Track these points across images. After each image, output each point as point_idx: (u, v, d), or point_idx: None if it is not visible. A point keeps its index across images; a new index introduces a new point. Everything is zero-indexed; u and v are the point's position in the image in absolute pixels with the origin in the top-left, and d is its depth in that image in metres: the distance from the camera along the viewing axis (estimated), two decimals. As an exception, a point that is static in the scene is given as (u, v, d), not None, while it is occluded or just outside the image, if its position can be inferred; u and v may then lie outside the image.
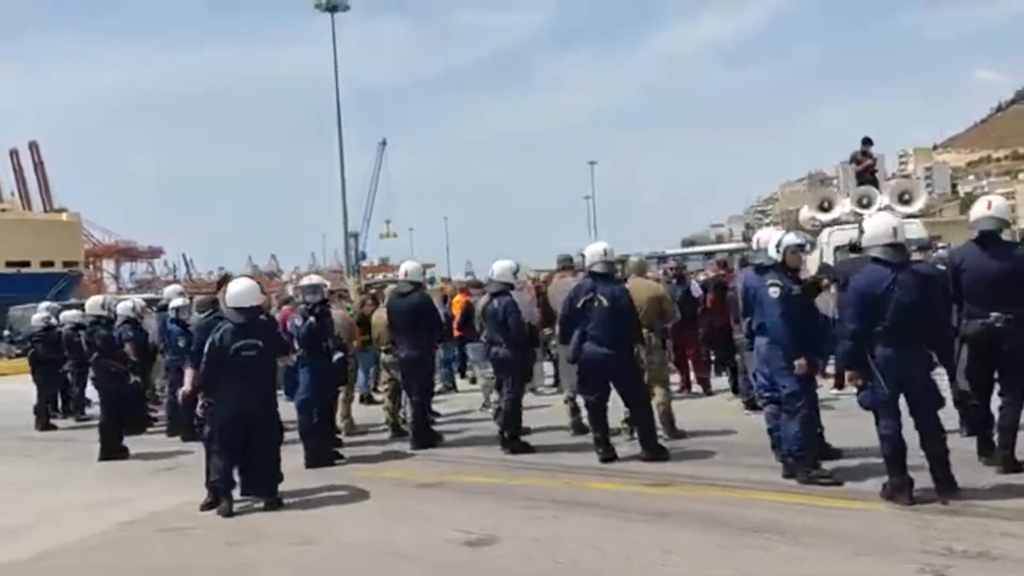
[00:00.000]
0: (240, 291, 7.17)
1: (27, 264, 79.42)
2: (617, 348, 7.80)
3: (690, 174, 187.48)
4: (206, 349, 7.00)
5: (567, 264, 10.30)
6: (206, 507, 7.07)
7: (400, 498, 7.13)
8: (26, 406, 16.83)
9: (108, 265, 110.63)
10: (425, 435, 9.19)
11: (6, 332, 40.60)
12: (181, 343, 10.83)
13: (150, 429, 11.78)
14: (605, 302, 7.78)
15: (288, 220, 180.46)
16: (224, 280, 7.67)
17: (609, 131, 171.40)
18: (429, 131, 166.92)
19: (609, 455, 7.86)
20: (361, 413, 11.26)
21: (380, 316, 10.40)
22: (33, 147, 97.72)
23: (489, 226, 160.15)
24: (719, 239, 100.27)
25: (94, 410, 13.97)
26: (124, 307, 11.55)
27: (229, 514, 6.81)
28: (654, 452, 7.77)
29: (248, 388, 6.95)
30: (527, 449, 8.54)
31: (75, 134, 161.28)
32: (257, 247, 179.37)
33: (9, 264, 77.96)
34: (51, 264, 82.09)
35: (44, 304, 16.61)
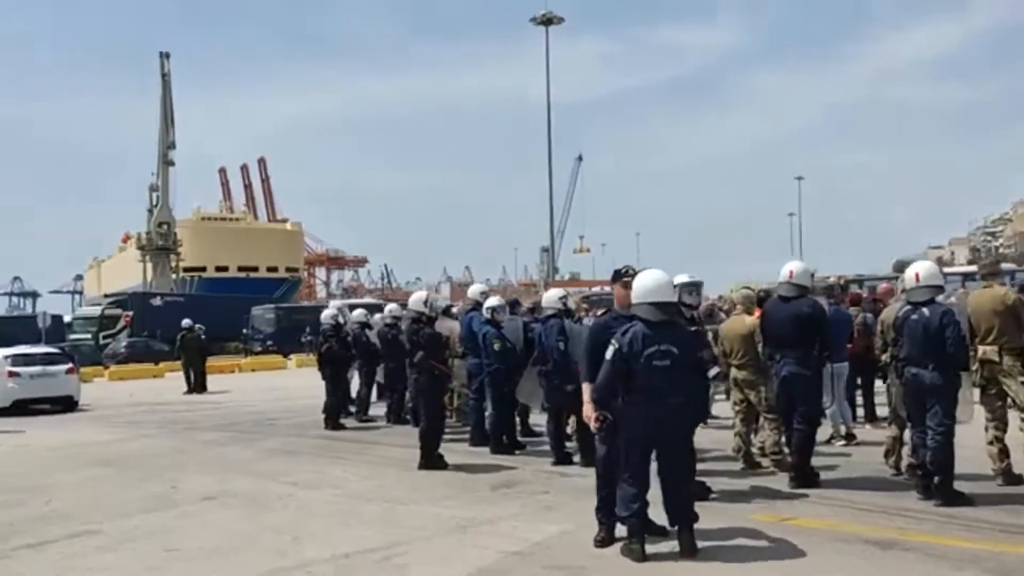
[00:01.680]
0: (654, 284, 5.89)
1: (255, 269, 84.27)
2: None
3: (902, 192, 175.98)
4: (609, 355, 5.79)
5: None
6: (601, 543, 5.92)
7: (851, 558, 5.60)
8: (287, 403, 16.89)
9: (319, 272, 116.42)
10: (807, 475, 7.66)
11: (245, 330, 42.72)
12: (496, 346, 10.03)
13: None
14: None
15: (482, 234, 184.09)
16: (623, 273, 6.34)
17: (812, 148, 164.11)
18: (623, 147, 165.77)
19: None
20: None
21: (730, 327, 9.05)
22: (261, 163, 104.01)
23: (682, 243, 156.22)
24: (940, 262, 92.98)
25: (376, 411, 13.56)
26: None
27: (642, 558, 5.59)
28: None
29: (661, 404, 5.70)
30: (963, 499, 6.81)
31: (293, 151, 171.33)
32: (452, 259, 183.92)
33: (240, 269, 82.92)
34: (275, 270, 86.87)
35: (335, 303, 16.64)
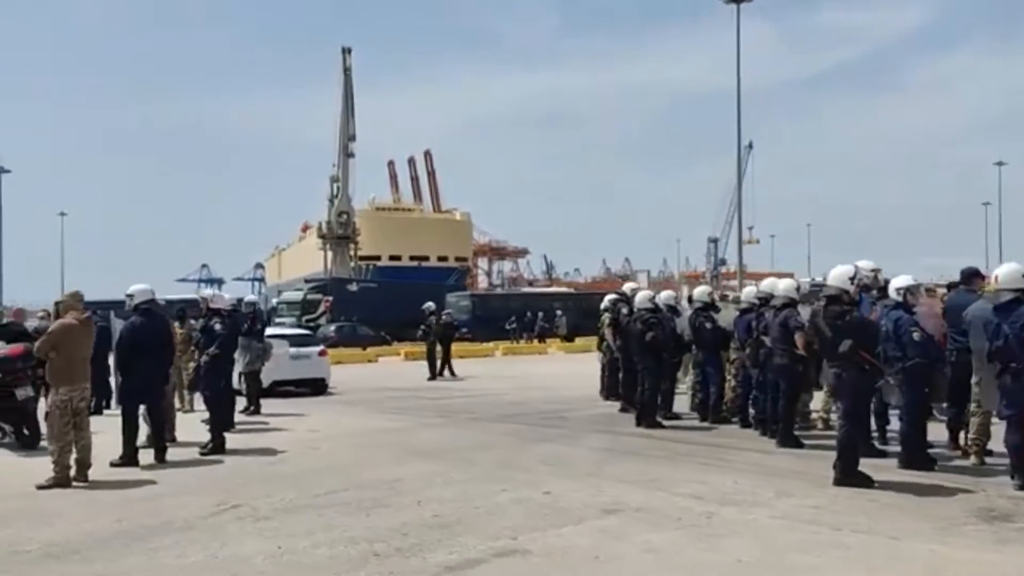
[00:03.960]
0: None
1: (426, 259, 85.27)
2: None
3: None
4: None
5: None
6: None
7: None
8: (540, 392, 15.66)
9: (482, 263, 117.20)
10: None
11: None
12: (916, 336, 8.23)
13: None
14: None
15: (642, 225, 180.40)
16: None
17: (999, 135, 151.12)
18: (795, 136, 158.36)
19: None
20: None
21: None
22: (427, 156, 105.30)
23: (856, 235, 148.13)
24: None
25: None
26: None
27: None
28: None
29: None
30: None
31: (457, 146, 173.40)
32: (610, 250, 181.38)
33: (412, 258, 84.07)
34: (445, 259, 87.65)
35: (630, 285, 15.41)
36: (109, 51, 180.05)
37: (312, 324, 37.79)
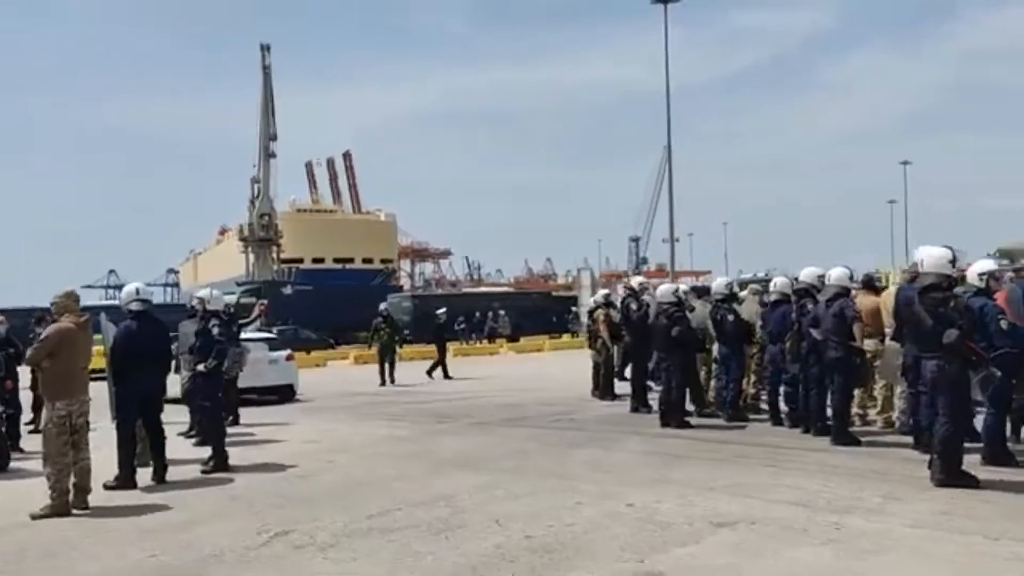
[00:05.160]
0: None
1: (351, 260, 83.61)
2: None
3: (999, 178, 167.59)
4: None
5: None
6: None
7: None
8: (516, 394, 14.92)
9: (404, 264, 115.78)
10: None
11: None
12: (1004, 325, 7.71)
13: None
14: None
15: (562, 225, 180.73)
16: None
17: (902, 134, 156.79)
18: (710, 136, 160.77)
19: None
20: None
21: None
22: (346, 157, 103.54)
23: (771, 233, 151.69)
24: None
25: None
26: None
27: None
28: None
29: None
30: None
31: (376, 146, 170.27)
32: (532, 251, 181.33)
33: (336, 260, 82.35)
34: (370, 261, 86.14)
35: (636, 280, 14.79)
36: (25, 51, 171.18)
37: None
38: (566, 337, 39.65)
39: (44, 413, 7.38)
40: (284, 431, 11.89)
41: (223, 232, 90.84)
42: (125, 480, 8.23)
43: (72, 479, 7.34)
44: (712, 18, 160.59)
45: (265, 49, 67.66)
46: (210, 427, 9.29)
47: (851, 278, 9.45)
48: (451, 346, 31.42)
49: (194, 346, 9.47)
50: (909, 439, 8.94)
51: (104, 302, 53.13)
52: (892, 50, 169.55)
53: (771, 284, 10.93)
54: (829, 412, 9.39)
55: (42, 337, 7.37)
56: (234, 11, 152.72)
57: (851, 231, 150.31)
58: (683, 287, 11.86)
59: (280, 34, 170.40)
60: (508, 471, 8.39)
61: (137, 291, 8.74)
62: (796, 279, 10.33)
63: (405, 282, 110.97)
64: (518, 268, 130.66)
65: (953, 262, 7.14)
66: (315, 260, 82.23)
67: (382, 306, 21.26)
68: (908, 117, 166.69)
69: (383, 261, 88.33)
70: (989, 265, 7.96)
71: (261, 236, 68.44)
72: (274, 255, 70.07)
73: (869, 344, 9.22)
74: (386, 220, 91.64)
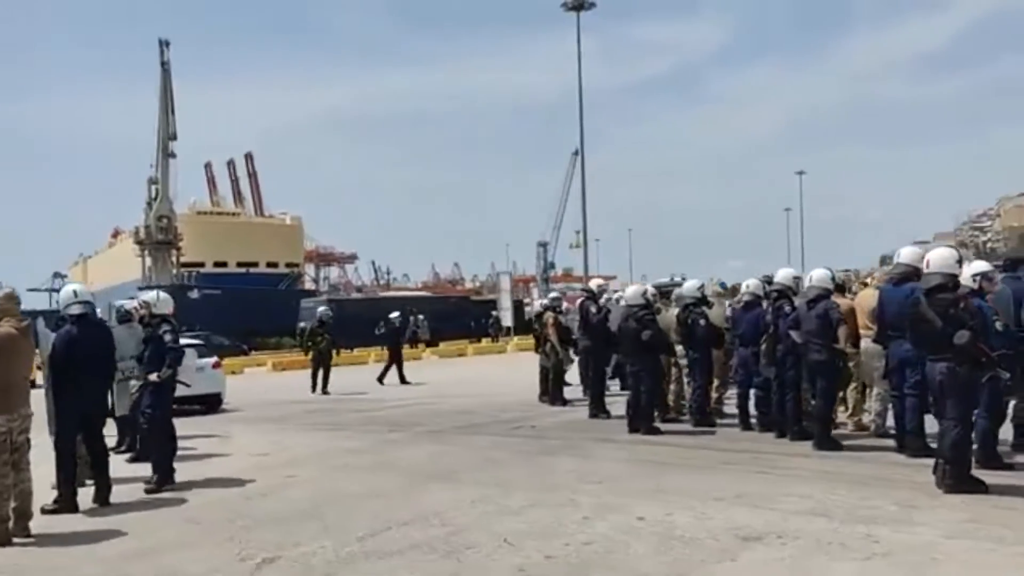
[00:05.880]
0: None
1: (255, 265, 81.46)
2: None
3: (885, 188, 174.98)
4: None
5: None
6: None
7: None
8: (457, 400, 14.34)
9: (308, 269, 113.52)
10: None
11: (303, 323, 39.80)
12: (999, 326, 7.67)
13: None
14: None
15: (470, 230, 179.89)
16: None
17: (796, 145, 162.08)
18: (615, 144, 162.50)
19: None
20: None
21: None
22: (248, 158, 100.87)
23: (674, 239, 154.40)
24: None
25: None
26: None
27: None
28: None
29: None
30: None
31: (280, 147, 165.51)
32: (439, 255, 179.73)
33: (239, 264, 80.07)
34: (275, 265, 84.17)
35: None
36: None
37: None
38: (485, 342, 39.20)
39: (-22, 430, 6.49)
40: (226, 444, 11.07)
41: (116, 235, 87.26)
42: (66, 503, 7.39)
43: (12, 503, 6.51)
44: (615, 30, 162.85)
45: (164, 45, 65.32)
46: (155, 440, 8.46)
47: (833, 279, 9.25)
48: (371, 351, 30.71)
49: (143, 354, 8.62)
50: (887, 442, 8.84)
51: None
52: (785, 65, 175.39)
53: (743, 286, 10.71)
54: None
55: (-24, 344, 6.47)
56: (131, 4, 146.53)
57: (748, 238, 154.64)
58: (651, 289, 11.54)
59: (181, 30, 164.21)
60: (490, 484, 7.85)
61: (75, 293, 7.89)
62: (768, 280, 10.14)
63: (310, 287, 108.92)
64: (425, 273, 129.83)
65: (960, 262, 6.99)
66: (217, 264, 79.81)
67: (320, 310, 20.12)
68: (798, 129, 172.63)
69: (289, 265, 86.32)
70: (983, 266, 7.87)
71: (159, 239, 66.18)
72: (173, 259, 67.81)
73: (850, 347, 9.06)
74: (292, 224, 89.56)
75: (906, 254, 8.46)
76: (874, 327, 9.01)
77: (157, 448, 8.45)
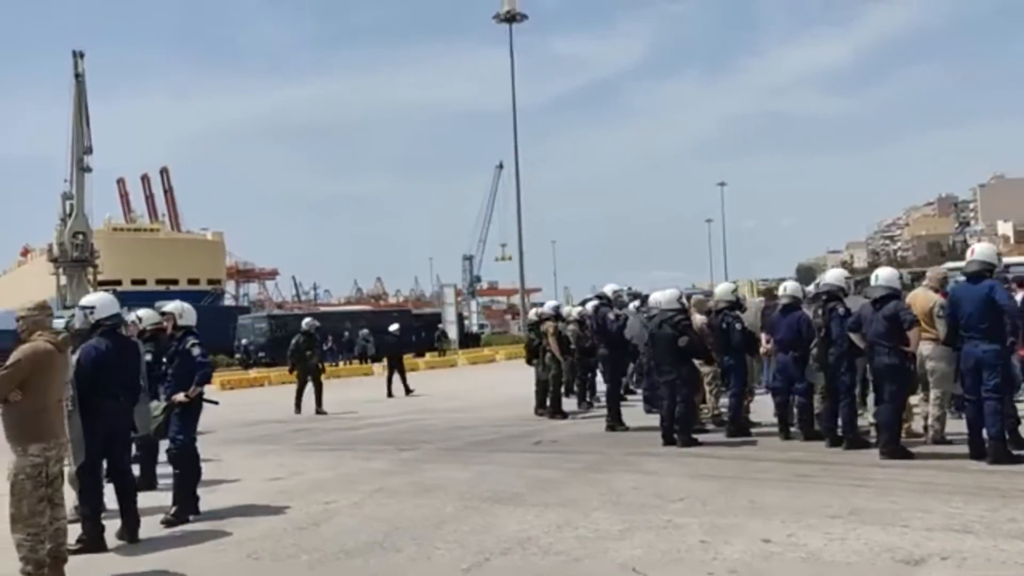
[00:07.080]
0: None
1: (175, 282, 78.83)
2: None
3: (799, 200, 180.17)
4: None
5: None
6: None
7: None
8: (440, 416, 13.55)
9: (229, 286, 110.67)
10: None
11: (245, 340, 38.28)
12: None
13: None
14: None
15: (392, 245, 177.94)
16: None
17: (712, 158, 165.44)
18: (538, 157, 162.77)
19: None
20: None
21: None
22: (164, 173, 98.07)
23: (597, 251, 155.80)
24: (844, 265, 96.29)
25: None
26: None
27: None
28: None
29: None
30: None
31: (197, 161, 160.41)
32: (362, 271, 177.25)
33: (159, 282, 77.50)
34: (197, 281, 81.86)
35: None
36: None
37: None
38: (430, 355, 38.31)
39: (13, 463, 5.55)
40: (225, 468, 10.10)
41: (26, 252, 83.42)
42: (92, 541, 6.47)
43: (47, 544, 5.60)
44: (534, 44, 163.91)
45: (78, 56, 62.94)
46: (179, 469, 7.54)
47: (900, 279, 8.88)
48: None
49: (166, 371, 7.71)
50: (949, 448, 8.55)
51: None
52: (698, 80, 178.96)
53: (781, 288, 10.30)
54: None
55: (10, 362, 5.52)
56: (45, 14, 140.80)
57: (671, 248, 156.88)
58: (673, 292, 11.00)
59: (103, 37, 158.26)
60: (560, 505, 7.19)
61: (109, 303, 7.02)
62: (817, 283, 9.76)
63: (229, 303, 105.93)
64: (347, 288, 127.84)
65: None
66: (135, 281, 77.11)
67: (306, 320, 18.57)
68: (717, 141, 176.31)
69: (210, 282, 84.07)
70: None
71: (75, 256, 63.74)
72: (90, 277, 65.18)
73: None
74: (214, 240, 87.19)
75: (980, 250, 8.18)
76: (932, 329, 8.72)
77: (185, 475, 7.54)
